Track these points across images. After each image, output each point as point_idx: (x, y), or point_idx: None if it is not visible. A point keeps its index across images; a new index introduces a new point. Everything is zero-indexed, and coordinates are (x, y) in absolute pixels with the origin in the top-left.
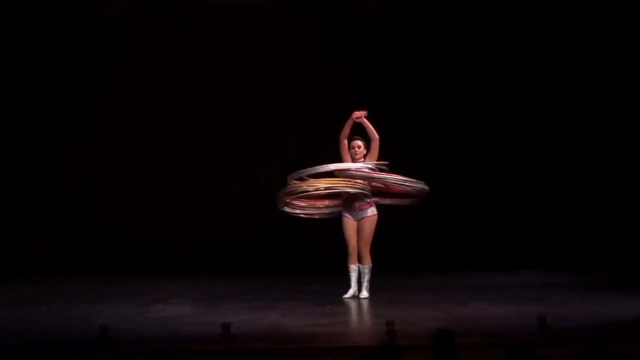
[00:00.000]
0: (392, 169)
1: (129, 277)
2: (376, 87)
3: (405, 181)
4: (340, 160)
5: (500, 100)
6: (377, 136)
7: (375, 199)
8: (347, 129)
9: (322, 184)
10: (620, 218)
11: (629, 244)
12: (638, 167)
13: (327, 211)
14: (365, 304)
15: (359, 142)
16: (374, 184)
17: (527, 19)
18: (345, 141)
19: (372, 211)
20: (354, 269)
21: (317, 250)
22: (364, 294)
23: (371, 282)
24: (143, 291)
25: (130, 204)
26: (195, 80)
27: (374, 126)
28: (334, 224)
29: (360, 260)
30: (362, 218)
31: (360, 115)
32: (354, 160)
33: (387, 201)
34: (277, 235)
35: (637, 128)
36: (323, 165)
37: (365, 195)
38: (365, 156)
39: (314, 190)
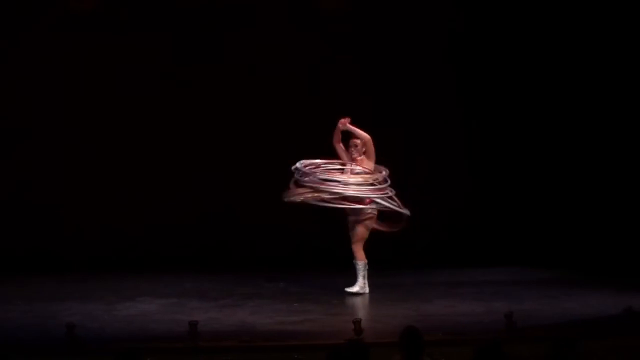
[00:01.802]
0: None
1: (95, 275)
2: (349, 86)
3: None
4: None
5: (474, 98)
6: (367, 136)
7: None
8: (337, 135)
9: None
10: (588, 215)
11: (596, 240)
12: (609, 165)
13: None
14: (333, 301)
15: (357, 141)
16: None
17: (499, 9)
18: (340, 144)
19: None
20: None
21: (288, 249)
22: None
23: (338, 280)
24: (110, 289)
25: (99, 202)
26: (194, 80)
27: (361, 128)
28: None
29: None
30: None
31: (344, 122)
32: (353, 159)
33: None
34: (248, 233)
35: (606, 125)
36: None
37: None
38: (364, 153)
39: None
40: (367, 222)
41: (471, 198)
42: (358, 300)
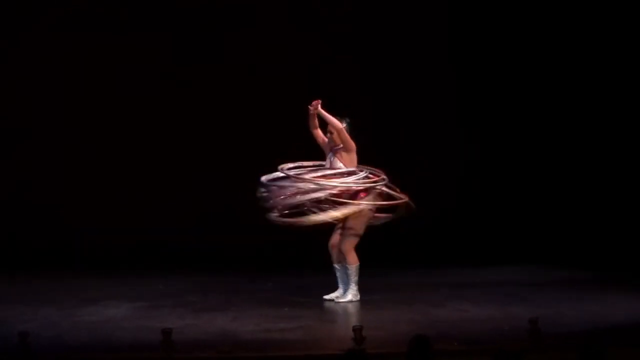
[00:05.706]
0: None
1: (54, 274)
2: (349, 86)
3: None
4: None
5: (474, 98)
6: (338, 125)
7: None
8: (312, 121)
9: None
10: (611, 214)
11: (620, 240)
12: (635, 164)
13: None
14: (329, 306)
15: (332, 129)
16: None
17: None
18: (318, 131)
19: None
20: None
21: (271, 249)
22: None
23: (331, 280)
24: (71, 292)
25: (99, 202)
26: (194, 80)
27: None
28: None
29: None
30: None
31: (315, 104)
32: (331, 148)
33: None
34: (228, 232)
35: (608, 122)
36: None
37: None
38: (342, 144)
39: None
40: (364, 217)
41: (483, 191)
42: (355, 304)
